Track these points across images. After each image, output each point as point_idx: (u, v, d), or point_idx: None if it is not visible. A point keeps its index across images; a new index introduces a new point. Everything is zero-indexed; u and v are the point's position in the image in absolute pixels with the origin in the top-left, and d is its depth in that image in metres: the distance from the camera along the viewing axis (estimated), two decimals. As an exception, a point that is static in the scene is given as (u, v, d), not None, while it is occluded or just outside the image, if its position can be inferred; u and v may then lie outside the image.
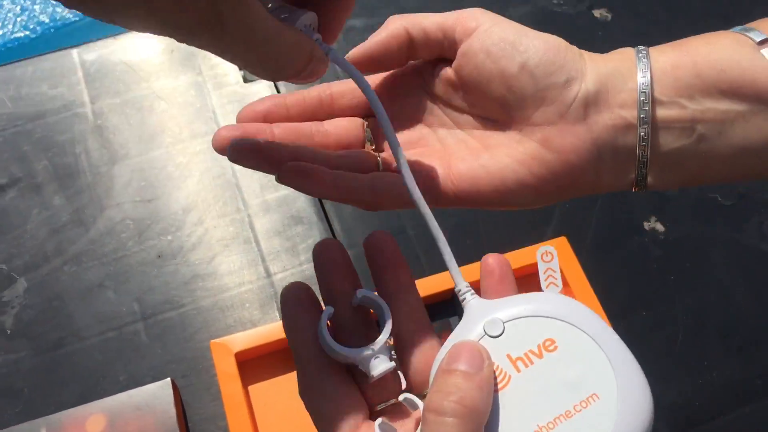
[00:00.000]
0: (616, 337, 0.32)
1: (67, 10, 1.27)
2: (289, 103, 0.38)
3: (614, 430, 0.30)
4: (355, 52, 0.38)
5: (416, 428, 0.33)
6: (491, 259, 0.34)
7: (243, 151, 0.34)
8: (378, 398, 0.34)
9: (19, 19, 1.26)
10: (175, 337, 0.59)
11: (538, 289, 0.36)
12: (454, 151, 0.39)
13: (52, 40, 1.25)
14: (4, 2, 1.27)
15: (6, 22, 1.26)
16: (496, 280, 0.34)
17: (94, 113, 0.71)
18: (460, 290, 0.34)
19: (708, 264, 0.64)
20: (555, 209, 0.65)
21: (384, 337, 0.33)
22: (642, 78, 0.36)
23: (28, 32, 1.25)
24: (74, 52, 0.75)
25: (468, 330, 0.32)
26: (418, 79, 0.40)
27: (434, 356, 0.33)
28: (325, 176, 0.35)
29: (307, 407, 0.33)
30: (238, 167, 0.66)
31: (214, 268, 0.63)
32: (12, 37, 1.24)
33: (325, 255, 0.34)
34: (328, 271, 0.34)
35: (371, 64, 0.38)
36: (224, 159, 0.42)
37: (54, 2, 1.29)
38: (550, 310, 0.32)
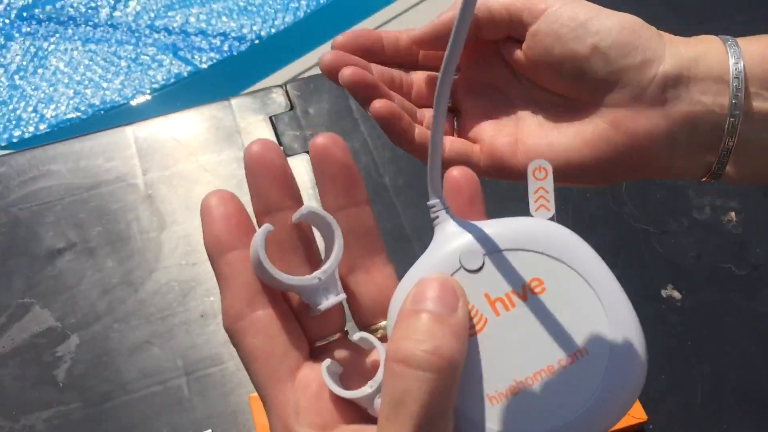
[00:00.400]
0: (614, 282, 0.27)
1: (117, 95, 1.36)
2: (385, 43, 0.39)
3: (599, 392, 0.26)
4: (422, 30, 0.38)
5: (370, 372, 0.29)
6: (456, 171, 0.30)
7: (357, 81, 0.36)
8: (318, 333, 0.29)
9: (71, 101, 1.36)
10: (216, 392, 0.62)
11: None
12: (525, 125, 0.38)
13: (101, 120, 1.33)
14: (59, 87, 1.37)
15: (59, 104, 1.35)
16: (464, 201, 0.29)
17: (145, 184, 0.77)
18: (432, 205, 0.28)
19: (724, 330, 0.67)
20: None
21: (334, 262, 0.28)
22: (735, 65, 0.34)
23: (79, 113, 1.34)
24: (128, 129, 0.81)
25: (439, 260, 0.27)
26: (497, 52, 0.39)
27: (388, 286, 0.29)
28: (411, 129, 0.37)
29: (236, 342, 0.28)
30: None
31: (253, 327, 0.67)
32: (65, 117, 1.33)
33: (261, 158, 0.28)
34: (264, 179, 0.28)
35: (437, 41, 0.38)
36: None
37: (104, 86, 1.38)
38: (540, 243, 0.27)
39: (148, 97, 1.39)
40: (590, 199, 0.75)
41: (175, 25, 1.50)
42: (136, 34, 1.47)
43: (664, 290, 0.69)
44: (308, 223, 0.29)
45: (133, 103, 1.39)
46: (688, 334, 0.66)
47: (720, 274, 0.70)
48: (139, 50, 1.44)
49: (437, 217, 0.28)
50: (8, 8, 1.52)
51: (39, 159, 0.79)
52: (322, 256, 0.29)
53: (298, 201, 0.29)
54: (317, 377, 0.27)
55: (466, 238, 0.27)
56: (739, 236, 0.73)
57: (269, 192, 0.28)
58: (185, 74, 1.39)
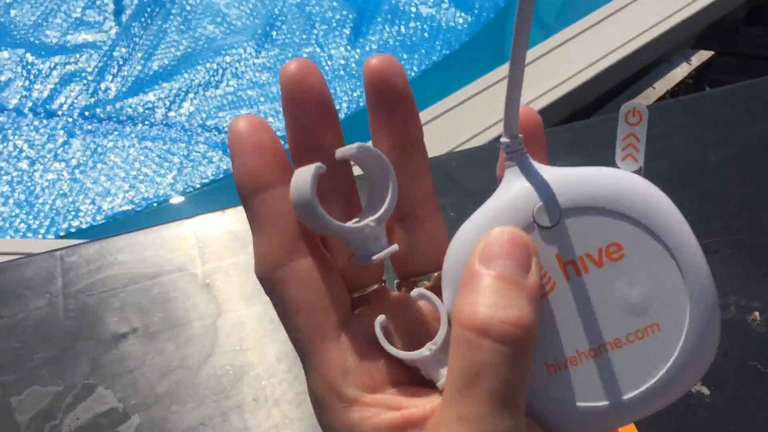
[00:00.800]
0: (701, 257, 0.24)
1: (169, 189, 1.45)
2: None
3: (665, 374, 0.24)
4: None
5: (416, 329, 0.26)
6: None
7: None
8: (356, 283, 0.26)
9: (127, 194, 1.45)
10: (266, 472, 0.66)
11: None
12: None
13: (154, 213, 1.42)
14: (116, 181, 1.46)
15: (116, 197, 1.44)
16: (526, 140, 0.25)
17: (203, 274, 0.83)
18: (506, 142, 0.25)
19: (753, 426, 0.69)
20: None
21: (389, 209, 0.25)
22: None
23: (133, 206, 1.43)
24: (189, 223, 0.88)
25: (509, 210, 0.24)
26: None
27: (439, 236, 0.27)
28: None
29: (273, 293, 0.25)
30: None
31: (302, 412, 0.71)
32: (120, 210, 1.41)
33: (301, 81, 0.24)
34: (306, 106, 0.24)
35: None
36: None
37: (158, 181, 1.47)
38: (624, 203, 0.24)
39: (198, 191, 1.48)
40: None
41: (224, 125, 1.60)
42: (189, 133, 1.58)
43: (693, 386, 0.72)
44: (355, 161, 0.26)
45: (184, 197, 1.47)
46: (717, 429, 0.69)
47: (747, 372, 0.73)
48: (191, 147, 1.54)
49: (510, 159, 0.25)
50: (72, 108, 1.64)
51: (107, 249, 0.86)
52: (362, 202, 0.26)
53: (340, 137, 0.26)
54: (364, 333, 0.25)
55: (543, 189, 0.24)
56: (764, 335, 0.76)
57: (310, 122, 0.25)
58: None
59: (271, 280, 0.25)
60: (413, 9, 1.82)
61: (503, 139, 0.25)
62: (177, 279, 0.83)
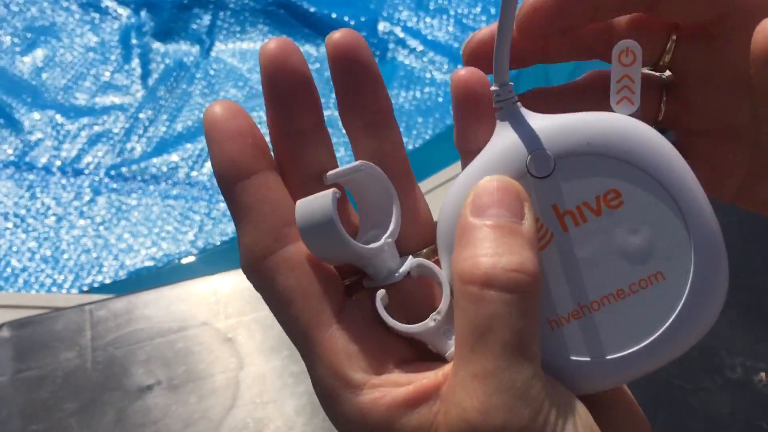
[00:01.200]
0: (703, 199, 0.23)
1: (190, 246, 1.49)
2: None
3: (672, 323, 0.23)
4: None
5: (413, 305, 0.25)
6: (463, 72, 0.25)
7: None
8: (346, 270, 0.26)
9: (149, 251, 1.49)
10: None
11: None
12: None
13: (175, 269, 1.46)
14: (139, 238, 1.51)
15: (138, 254, 1.49)
16: (472, 108, 0.25)
17: (226, 328, 0.86)
18: (496, 90, 0.24)
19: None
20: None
21: (398, 222, 0.25)
22: None
23: (155, 262, 1.47)
24: (213, 279, 0.92)
25: (501, 161, 0.23)
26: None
27: (423, 211, 0.26)
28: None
29: (264, 284, 0.24)
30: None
31: (319, 464, 0.73)
32: (142, 266, 1.46)
33: (283, 64, 0.24)
34: (287, 88, 0.24)
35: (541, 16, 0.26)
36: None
37: (179, 238, 1.52)
38: (621, 146, 0.23)
39: (218, 248, 1.52)
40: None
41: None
42: (210, 192, 1.63)
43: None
44: (347, 183, 0.25)
45: (205, 254, 1.51)
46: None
47: (753, 431, 0.75)
48: (212, 206, 1.58)
49: (500, 108, 0.24)
50: (98, 167, 1.70)
51: (134, 304, 0.90)
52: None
53: (321, 121, 0.25)
54: (362, 315, 0.24)
55: (535, 137, 0.23)
56: (770, 394, 0.78)
57: (291, 105, 0.24)
58: (252, 229, 1.53)
59: (260, 271, 0.24)
60: (428, 75, 1.89)
61: (492, 88, 0.24)
62: (201, 333, 0.87)
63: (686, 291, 0.23)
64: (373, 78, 0.25)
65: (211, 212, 1.57)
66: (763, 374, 0.80)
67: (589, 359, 0.23)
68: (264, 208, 0.24)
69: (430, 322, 0.24)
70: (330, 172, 0.24)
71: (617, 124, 0.23)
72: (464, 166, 0.26)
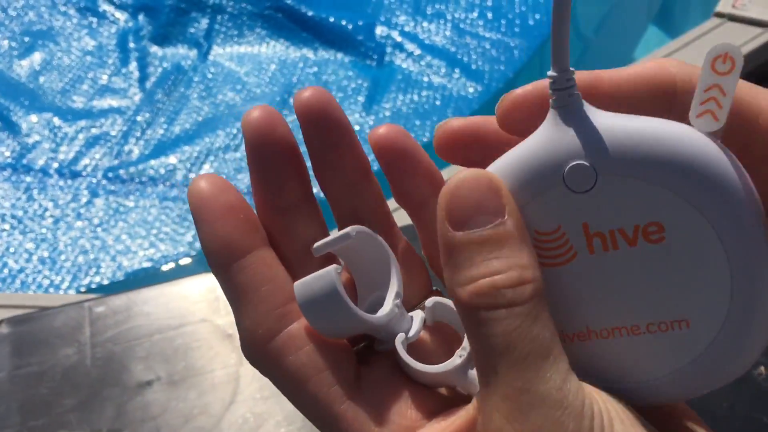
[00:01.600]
0: (762, 255, 0.19)
1: (188, 247, 1.49)
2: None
3: (681, 374, 0.21)
4: (591, 78, 0.23)
5: (431, 348, 0.25)
6: (382, 129, 0.24)
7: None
8: (354, 338, 0.25)
9: (146, 252, 1.49)
10: None
11: None
12: None
13: (172, 270, 1.46)
14: (137, 239, 1.51)
15: (136, 255, 1.49)
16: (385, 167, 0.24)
17: (225, 324, 0.86)
18: (553, 76, 0.20)
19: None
20: None
21: (400, 282, 0.24)
22: None
23: (153, 263, 1.47)
24: (211, 276, 0.92)
25: (535, 165, 0.21)
26: None
27: (413, 260, 0.25)
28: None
29: (271, 368, 0.23)
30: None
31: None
32: (140, 267, 1.46)
33: (268, 134, 0.23)
34: (274, 160, 0.23)
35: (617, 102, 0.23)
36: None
37: (177, 239, 1.52)
38: (681, 175, 0.19)
39: (216, 250, 1.52)
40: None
41: (242, 186, 1.65)
42: (208, 194, 1.62)
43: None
44: (338, 252, 0.24)
45: (202, 255, 1.52)
46: (727, 480, 0.71)
47: (752, 424, 0.75)
48: (210, 208, 1.59)
49: (553, 98, 0.20)
50: (96, 169, 1.70)
51: (133, 300, 0.90)
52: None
53: (310, 192, 0.24)
54: (381, 379, 0.23)
55: (584, 144, 0.20)
56: (770, 388, 0.78)
57: (278, 177, 0.23)
58: (250, 230, 1.53)
59: (267, 355, 0.23)
60: (426, 78, 1.90)
61: (550, 73, 0.20)
62: (200, 329, 0.87)
63: (707, 346, 0.21)
64: (348, 138, 0.24)
65: (208, 214, 1.57)
66: (762, 368, 0.80)
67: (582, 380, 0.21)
68: (262, 288, 0.23)
69: (456, 360, 0.23)
70: (317, 244, 0.23)
71: (689, 146, 0.19)
72: (411, 217, 0.25)
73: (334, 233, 0.23)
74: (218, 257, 0.23)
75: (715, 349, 0.20)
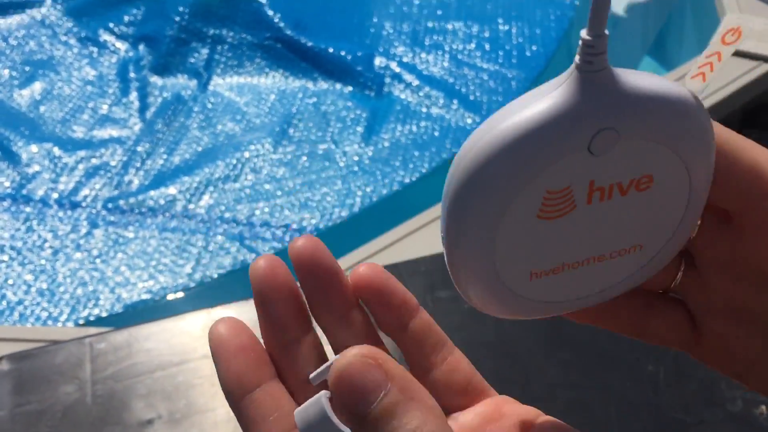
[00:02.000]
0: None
1: (187, 279, 1.49)
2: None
3: (627, 278, 0.26)
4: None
5: None
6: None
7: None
8: None
9: (145, 284, 1.49)
10: None
11: None
12: None
13: (172, 303, 1.45)
14: (136, 271, 1.51)
15: (135, 286, 1.48)
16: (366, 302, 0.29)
17: (227, 362, 0.86)
18: (587, 41, 0.20)
19: None
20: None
21: None
22: None
23: (152, 295, 1.47)
24: (214, 311, 0.92)
25: (564, 127, 0.21)
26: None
27: (466, 369, 0.29)
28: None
29: None
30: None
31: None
32: (139, 299, 1.45)
33: (272, 280, 0.27)
34: (278, 303, 0.27)
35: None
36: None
37: (176, 271, 1.52)
38: (679, 138, 0.22)
39: (216, 281, 1.52)
40: (630, 388, 0.82)
41: (242, 217, 1.65)
42: (207, 224, 1.63)
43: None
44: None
45: (202, 287, 1.51)
46: None
47: (757, 463, 0.75)
48: (209, 239, 1.59)
49: (588, 61, 0.20)
50: (95, 199, 1.70)
51: (134, 336, 0.90)
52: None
53: (311, 329, 0.28)
54: None
55: (610, 109, 0.21)
56: (772, 427, 0.78)
57: (283, 318, 0.27)
58: (250, 261, 1.53)
59: None
60: (424, 109, 1.91)
61: (585, 36, 0.20)
62: (202, 366, 0.86)
63: (647, 260, 0.25)
64: (337, 279, 0.28)
65: (208, 245, 1.57)
66: (764, 407, 0.80)
67: (540, 299, 0.26)
68: (270, 418, 0.25)
69: None
70: (312, 375, 0.26)
71: (690, 113, 0.22)
72: (395, 341, 0.29)
73: (329, 361, 0.25)
74: (232, 391, 0.26)
75: (656, 258, 0.25)
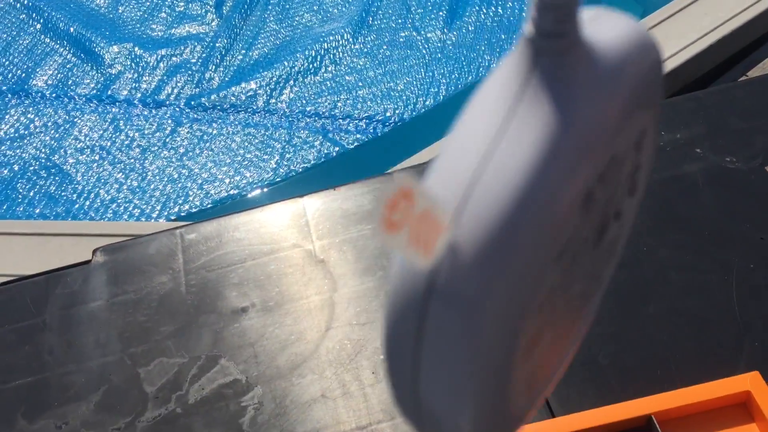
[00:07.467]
0: None
1: (272, 174, 1.48)
2: None
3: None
4: None
5: None
6: None
7: None
8: None
9: (232, 179, 1.49)
10: (389, 444, 0.66)
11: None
12: None
13: (258, 196, 1.45)
14: (222, 167, 1.50)
15: (222, 182, 1.48)
16: None
17: (317, 250, 0.84)
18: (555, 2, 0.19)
19: None
20: (744, 340, 0.68)
21: None
22: None
23: (239, 190, 1.46)
24: (302, 201, 0.89)
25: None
26: None
27: None
28: None
29: None
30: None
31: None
32: (227, 194, 1.45)
33: None
34: None
35: None
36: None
37: (261, 166, 1.50)
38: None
39: (300, 175, 1.50)
40: (754, 270, 0.75)
41: (323, 110, 1.61)
42: (290, 119, 1.60)
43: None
44: None
45: (288, 181, 1.50)
46: None
47: None
48: (292, 133, 1.56)
49: (555, 33, 0.19)
50: (178, 98, 1.69)
51: (224, 227, 0.88)
52: None
53: None
54: None
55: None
56: None
57: None
58: (334, 154, 1.49)
59: None
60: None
61: None
62: (292, 255, 0.85)
63: None
64: None
65: (292, 139, 1.55)
66: None
67: None
68: None
69: None
70: None
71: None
72: None
73: None
74: None
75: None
